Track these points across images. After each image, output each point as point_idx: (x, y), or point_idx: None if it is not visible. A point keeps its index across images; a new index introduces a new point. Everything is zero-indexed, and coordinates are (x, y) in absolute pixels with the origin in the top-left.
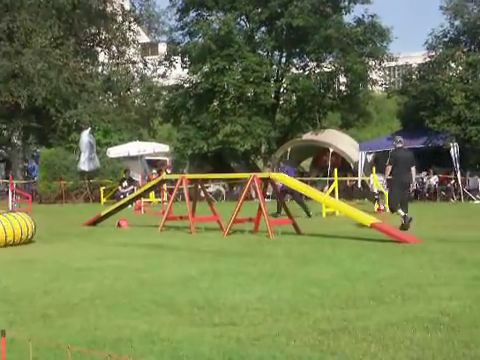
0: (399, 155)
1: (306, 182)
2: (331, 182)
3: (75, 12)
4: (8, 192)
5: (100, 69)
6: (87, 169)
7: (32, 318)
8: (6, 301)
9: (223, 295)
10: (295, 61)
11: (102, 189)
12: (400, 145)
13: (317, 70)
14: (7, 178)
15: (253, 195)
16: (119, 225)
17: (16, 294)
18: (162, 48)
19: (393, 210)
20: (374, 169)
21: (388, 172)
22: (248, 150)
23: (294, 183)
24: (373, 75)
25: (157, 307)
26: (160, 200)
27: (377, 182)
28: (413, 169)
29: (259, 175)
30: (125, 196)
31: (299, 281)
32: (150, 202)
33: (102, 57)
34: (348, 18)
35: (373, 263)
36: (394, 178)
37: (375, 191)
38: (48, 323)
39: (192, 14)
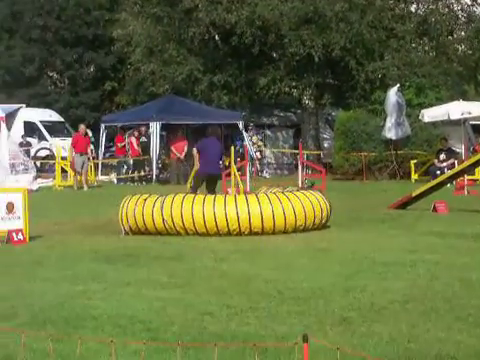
0: None
1: None
2: None
3: None
4: (297, 165)
5: (414, 8)
6: (394, 137)
7: (330, 322)
8: (299, 299)
9: None
10: None
11: (413, 163)
12: None
13: None
14: (296, 147)
15: None
16: (435, 209)
17: (310, 291)
18: None
19: None
20: None
21: None
22: None
23: None
24: None
25: None
26: None
27: None
28: None
29: None
30: (443, 172)
31: None
32: (476, 180)
33: None
34: None
35: None
36: None
37: None
38: (349, 329)
39: None
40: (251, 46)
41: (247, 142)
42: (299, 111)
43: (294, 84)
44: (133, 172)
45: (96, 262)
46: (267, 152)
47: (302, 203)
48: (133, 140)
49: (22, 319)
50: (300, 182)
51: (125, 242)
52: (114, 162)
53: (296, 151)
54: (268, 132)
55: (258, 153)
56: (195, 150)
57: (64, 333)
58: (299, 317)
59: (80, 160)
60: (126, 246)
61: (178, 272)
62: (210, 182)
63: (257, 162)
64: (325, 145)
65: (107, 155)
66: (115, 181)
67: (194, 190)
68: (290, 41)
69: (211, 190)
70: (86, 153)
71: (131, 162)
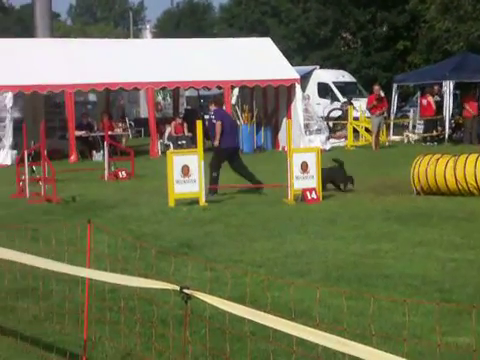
0: None
1: None
2: None
3: None
4: None
5: None
6: None
7: None
8: None
9: None
10: None
11: None
12: None
13: None
14: None
15: None
16: None
17: None
18: None
19: None
20: None
21: None
22: None
23: None
24: None
25: None
26: None
27: None
28: None
29: None
30: None
31: None
32: None
33: None
34: None
35: None
36: None
37: None
38: None
39: None
40: None
41: None
42: None
43: None
44: (425, 132)
45: (387, 221)
46: None
47: None
48: (430, 99)
49: (316, 275)
50: None
51: (416, 202)
52: (406, 122)
53: None
54: None
55: None
56: (219, 123)
57: (357, 291)
58: None
59: (377, 121)
60: (417, 206)
61: (472, 233)
62: (232, 159)
63: None
64: None
65: (399, 115)
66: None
67: (216, 172)
68: None
69: (239, 169)
70: (382, 113)
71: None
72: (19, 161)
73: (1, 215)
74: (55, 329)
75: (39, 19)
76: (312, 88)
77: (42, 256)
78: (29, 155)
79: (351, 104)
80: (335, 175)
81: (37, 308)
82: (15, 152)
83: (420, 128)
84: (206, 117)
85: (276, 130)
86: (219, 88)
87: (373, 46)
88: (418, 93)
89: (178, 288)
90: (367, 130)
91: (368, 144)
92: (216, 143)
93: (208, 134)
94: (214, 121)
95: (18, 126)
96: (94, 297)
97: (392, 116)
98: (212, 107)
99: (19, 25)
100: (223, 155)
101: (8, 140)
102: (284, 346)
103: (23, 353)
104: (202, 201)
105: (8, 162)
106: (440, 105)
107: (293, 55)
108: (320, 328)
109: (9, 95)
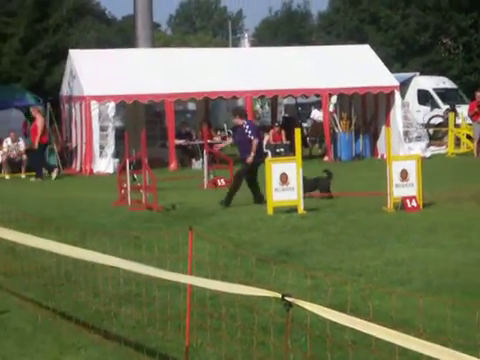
0: None
1: None
2: None
3: None
4: None
5: None
6: None
7: None
8: None
9: None
10: None
11: None
12: None
13: None
14: None
15: None
16: None
17: None
18: None
19: None
20: None
21: None
22: None
23: None
24: None
25: None
26: None
27: None
28: None
29: None
30: None
31: None
32: None
33: None
34: None
35: None
36: None
37: None
38: None
39: None
40: None
41: None
42: None
43: None
44: None
45: None
46: None
47: None
48: None
49: (417, 284)
50: None
51: None
52: None
53: None
54: None
55: None
56: (257, 141)
57: (460, 300)
58: None
59: (479, 128)
60: None
61: None
62: (254, 172)
63: None
64: None
65: None
66: None
67: (235, 189)
68: None
69: (254, 182)
70: None
71: None
72: (121, 169)
73: (104, 223)
74: (157, 335)
75: (140, 30)
76: (412, 95)
77: (145, 263)
78: (130, 163)
79: (454, 111)
80: (319, 184)
81: (140, 314)
82: (117, 160)
83: None
84: (304, 125)
85: (375, 138)
86: (317, 96)
87: (475, 51)
88: None
89: (280, 296)
90: (469, 137)
91: (470, 151)
92: (250, 160)
93: (305, 141)
94: (250, 136)
95: (120, 135)
96: (195, 304)
97: None
98: (238, 120)
99: (120, 36)
100: (250, 168)
101: (110, 149)
102: (385, 355)
103: (127, 358)
104: (300, 209)
105: (110, 170)
106: None
107: (392, 62)
108: (422, 338)
109: (111, 105)
